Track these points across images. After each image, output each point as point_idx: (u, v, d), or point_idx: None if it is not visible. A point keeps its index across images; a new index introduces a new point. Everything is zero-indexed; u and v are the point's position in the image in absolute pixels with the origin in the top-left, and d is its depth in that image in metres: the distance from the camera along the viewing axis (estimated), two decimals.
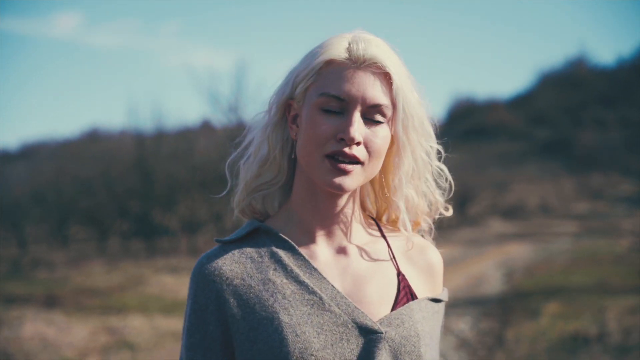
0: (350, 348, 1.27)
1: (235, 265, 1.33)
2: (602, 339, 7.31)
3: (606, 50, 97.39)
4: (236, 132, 12.70)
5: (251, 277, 1.31)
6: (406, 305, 1.33)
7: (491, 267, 15.98)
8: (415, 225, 1.46)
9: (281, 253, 1.34)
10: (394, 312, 1.31)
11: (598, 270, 13.32)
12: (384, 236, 1.42)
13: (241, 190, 1.42)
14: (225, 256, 1.34)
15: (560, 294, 10.62)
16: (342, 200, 1.36)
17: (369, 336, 1.27)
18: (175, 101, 68.08)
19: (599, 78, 63.67)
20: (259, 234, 1.37)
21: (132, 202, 25.31)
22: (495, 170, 46.13)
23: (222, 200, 18.19)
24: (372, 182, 1.43)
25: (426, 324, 1.34)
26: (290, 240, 1.35)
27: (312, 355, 1.24)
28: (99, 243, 28.32)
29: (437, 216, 1.47)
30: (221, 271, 1.32)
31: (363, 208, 1.45)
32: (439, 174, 1.46)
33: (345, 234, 1.38)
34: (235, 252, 1.35)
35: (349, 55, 1.31)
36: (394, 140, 1.37)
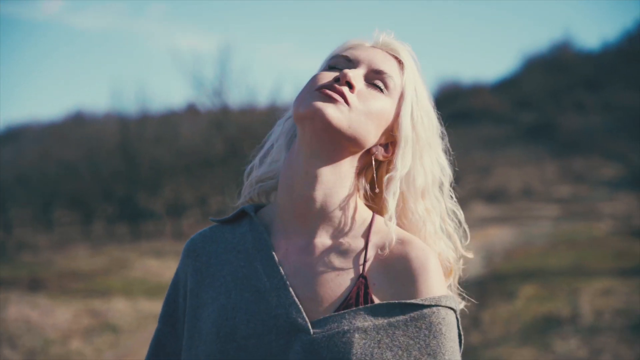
0: (278, 342, 1.19)
1: (210, 244, 1.32)
2: (574, 319, 7.48)
3: (591, 34, 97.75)
4: (220, 116, 12.73)
5: (217, 256, 1.29)
6: (353, 309, 1.20)
7: (472, 250, 16.24)
8: (448, 273, 1.33)
9: (249, 237, 1.29)
10: (333, 315, 1.20)
11: (575, 253, 13.49)
12: (367, 236, 1.27)
13: (250, 181, 1.39)
14: (208, 235, 1.34)
15: (537, 276, 10.76)
16: (319, 191, 1.24)
17: (297, 334, 1.19)
18: (160, 84, 67.73)
19: (584, 62, 63.99)
20: (244, 217, 1.34)
21: (117, 185, 25.22)
22: (480, 154, 46.33)
23: (207, 184, 18.13)
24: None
25: (376, 333, 1.18)
26: (261, 226, 1.30)
27: (234, 341, 1.20)
28: (83, 226, 28.29)
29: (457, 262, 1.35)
30: (196, 248, 1.32)
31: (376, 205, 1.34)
32: (452, 210, 1.35)
33: (322, 222, 1.27)
34: (218, 232, 1.34)
35: (368, 42, 1.34)
36: (397, 135, 1.29)
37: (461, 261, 1.36)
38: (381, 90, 1.26)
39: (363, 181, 1.31)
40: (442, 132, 1.37)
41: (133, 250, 18.79)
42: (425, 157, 1.30)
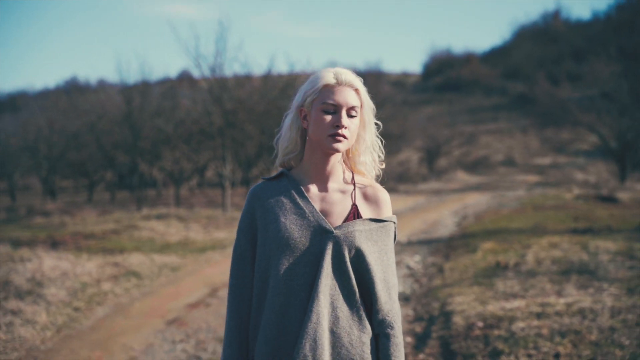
0: (316, 239, 2.23)
1: (266, 190, 2.33)
2: (517, 266, 8.90)
3: (583, 4, 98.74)
4: (217, 90, 14.16)
5: (272, 197, 2.31)
6: (352, 221, 2.27)
7: (448, 214, 17.46)
8: (362, 176, 2.40)
9: (291, 187, 2.32)
10: (344, 223, 2.26)
11: (538, 216, 14.71)
12: (353, 183, 2.34)
13: (279, 155, 2.39)
14: (262, 186, 2.35)
15: (499, 235, 11.97)
16: (330, 162, 2.30)
17: (327, 234, 2.24)
18: (154, 50, 68.55)
19: (574, 32, 64.19)
20: (283, 176, 2.36)
21: (119, 154, 25.66)
22: (467, 124, 47.43)
23: (204, 154, 19.30)
24: (351, 152, 2.38)
25: (367, 233, 2.26)
26: (297, 181, 2.33)
27: (293, 240, 2.22)
28: (88, 193, 29.27)
29: (378, 169, 2.42)
30: (259, 194, 2.33)
31: (351, 167, 2.39)
32: (379, 144, 2.42)
33: (330, 181, 2.32)
34: (268, 184, 2.35)
35: (336, 81, 2.27)
36: (361, 124, 2.31)
37: (377, 166, 2.43)
38: (354, 116, 2.30)
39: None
40: (374, 109, 2.38)
41: (137, 215, 19.34)
42: (370, 128, 2.37)
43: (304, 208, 2.28)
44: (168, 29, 61.55)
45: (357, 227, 2.26)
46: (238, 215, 18.43)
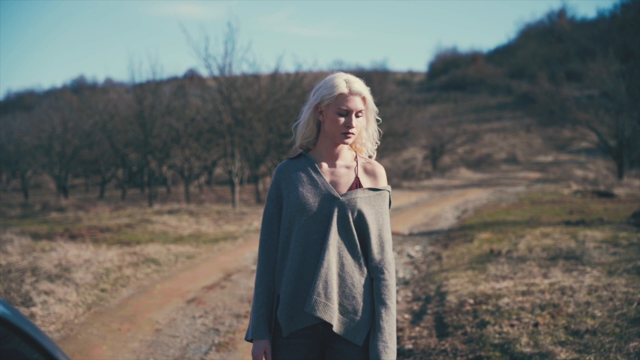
0: (326, 204, 2.81)
1: (289, 167, 2.92)
2: (509, 253, 9.55)
3: (588, 3, 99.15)
4: (226, 90, 14.89)
5: (293, 172, 2.90)
6: (355, 190, 2.85)
7: (449, 208, 18.09)
8: (361, 153, 3.01)
9: (307, 164, 2.91)
10: (348, 191, 2.85)
11: (535, 210, 15.33)
12: (356, 160, 2.93)
13: (298, 138, 2.97)
14: (286, 164, 2.93)
15: (495, 226, 12.60)
16: (338, 147, 2.91)
17: (334, 200, 2.82)
18: (158, 49, 69.48)
19: (579, 30, 64.62)
20: (302, 156, 2.94)
21: (131, 152, 26.21)
22: (471, 123, 47.99)
23: (213, 152, 19.96)
24: (356, 138, 2.94)
25: (366, 199, 2.84)
26: (312, 160, 2.92)
27: (309, 205, 2.81)
28: (99, 190, 29.93)
29: (374, 150, 3.01)
30: (283, 169, 2.92)
31: (354, 149, 2.98)
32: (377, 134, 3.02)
33: (338, 159, 2.91)
34: (291, 162, 2.94)
35: (349, 90, 2.84)
36: (366, 120, 2.90)
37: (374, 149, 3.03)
38: (361, 116, 2.89)
39: None
40: (376, 110, 2.97)
41: (149, 210, 19.99)
42: (372, 123, 2.97)
43: (317, 180, 2.88)
44: (172, 29, 62.54)
45: (359, 194, 2.86)
46: (247, 210, 19.14)
